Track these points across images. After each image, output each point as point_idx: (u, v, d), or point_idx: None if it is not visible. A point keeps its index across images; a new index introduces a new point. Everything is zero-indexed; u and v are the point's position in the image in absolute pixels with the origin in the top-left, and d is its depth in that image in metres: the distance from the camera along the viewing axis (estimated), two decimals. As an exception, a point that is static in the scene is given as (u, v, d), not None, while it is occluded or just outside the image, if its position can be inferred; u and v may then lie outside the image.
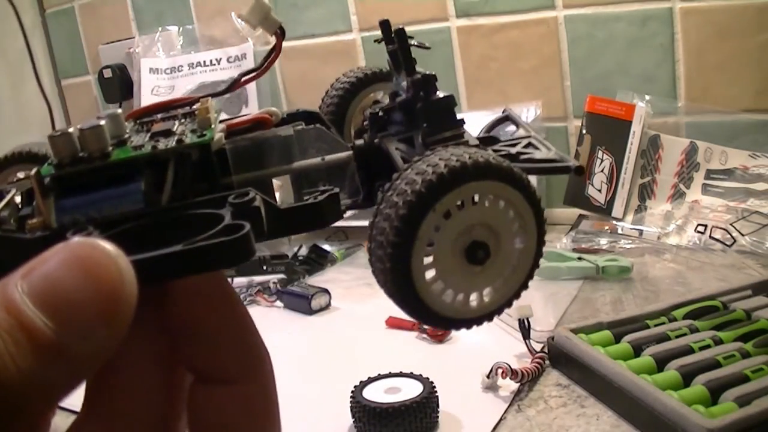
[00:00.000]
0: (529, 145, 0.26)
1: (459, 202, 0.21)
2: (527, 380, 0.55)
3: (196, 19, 1.23)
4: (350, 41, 1.12)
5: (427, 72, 0.25)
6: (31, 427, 0.18)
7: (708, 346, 0.53)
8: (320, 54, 1.12)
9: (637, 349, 0.54)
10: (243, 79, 0.25)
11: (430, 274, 0.21)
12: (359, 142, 0.24)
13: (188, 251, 0.16)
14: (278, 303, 0.80)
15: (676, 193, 0.94)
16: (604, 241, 0.90)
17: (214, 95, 0.22)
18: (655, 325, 0.58)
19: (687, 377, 0.49)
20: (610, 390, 0.50)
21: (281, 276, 0.85)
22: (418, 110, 0.25)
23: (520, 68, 1.03)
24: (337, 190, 0.20)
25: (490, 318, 0.23)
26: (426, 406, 0.49)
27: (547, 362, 0.58)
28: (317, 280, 0.86)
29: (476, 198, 0.21)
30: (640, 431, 0.47)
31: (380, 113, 0.26)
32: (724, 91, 0.93)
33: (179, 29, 1.23)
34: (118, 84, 1.21)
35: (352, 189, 0.23)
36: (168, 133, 0.21)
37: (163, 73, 1.19)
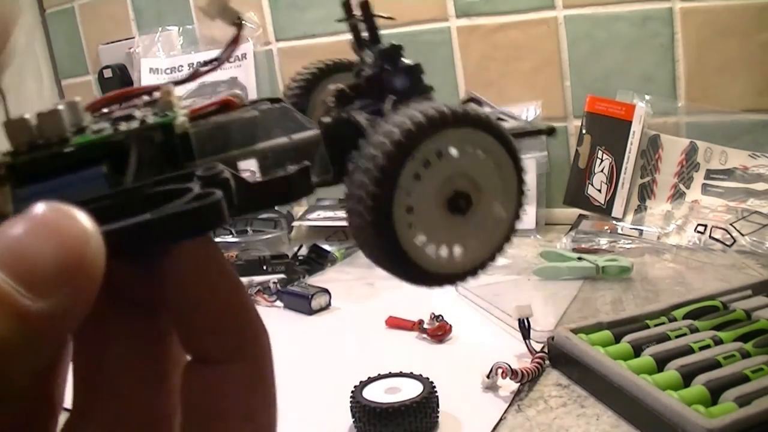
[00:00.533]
0: (498, 119, 0.26)
1: (438, 151, 0.21)
2: (527, 380, 0.55)
3: (196, 19, 1.23)
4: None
5: (393, 42, 0.25)
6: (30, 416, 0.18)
7: (708, 346, 0.53)
8: (320, 54, 1.11)
9: (637, 349, 0.54)
10: (202, 69, 0.25)
11: (412, 225, 0.21)
12: (326, 119, 0.23)
13: (158, 219, 0.16)
14: (278, 303, 0.80)
15: (676, 193, 0.94)
16: (604, 241, 0.90)
17: (175, 83, 0.22)
18: (655, 325, 0.58)
19: (687, 377, 0.49)
20: (610, 390, 0.50)
21: (281, 276, 0.85)
22: (386, 79, 0.24)
23: (520, 68, 1.03)
24: (307, 163, 0.19)
25: (474, 274, 0.22)
26: (426, 406, 0.49)
27: (547, 362, 0.58)
28: (317, 280, 0.86)
29: (455, 148, 0.21)
30: (640, 431, 0.47)
31: (346, 90, 0.25)
32: (724, 91, 0.93)
33: (179, 29, 1.23)
34: (118, 84, 1.21)
35: (322, 167, 0.22)
36: (129, 118, 0.20)
37: (164, 73, 1.19)
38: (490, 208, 0.22)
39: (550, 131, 0.26)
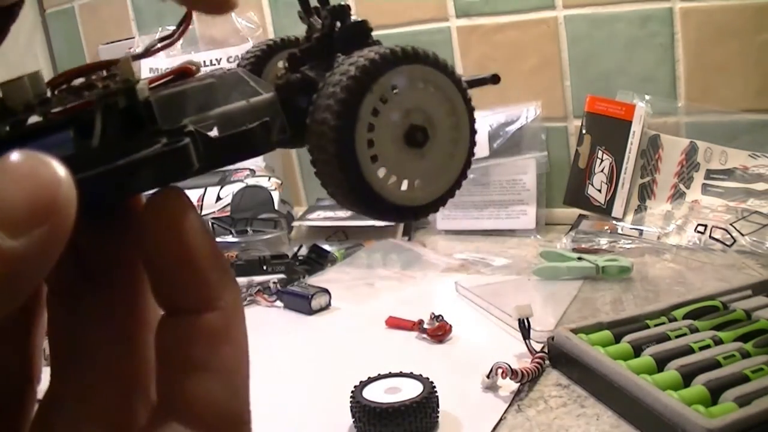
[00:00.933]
0: None
1: (393, 86, 0.22)
2: (527, 380, 0.55)
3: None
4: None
5: (341, 2, 0.26)
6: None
7: (708, 346, 0.53)
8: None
9: (637, 349, 0.54)
10: (158, 45, 0.25)
11: (374, 158, 0.22)
12: (280, 81, 0.24)
13: (128, 164, 0.16)
14: (278, 303, 0.80)
15: (676, 193, 0.94)
16: (604, 241, 0.90)
17: (133, 58, 0.22)
18: (655, 325, 0.58)
19: (687, 377, 0.49)
20: (610, 390, 0.50)
21: (281, 276, 0.85)
22: (336, 35, 0.25)
23: (520, 68, 1.03)
24: (268, 119, 0.20)
25: (435, 207, 0.24)
26: (426, 406, 0.49)
27: (547, 362, 0.58)
28: (317, 280, 0.86)
29: (409, 83, 0.22)
30: (640, 431, 0.47)
31: (297, 53, 0.26)
32: (724, 91, 0.93)
33: (179, 29, 1.23)
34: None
35: (280, 129, 0.22)
36: (91, 87, 0.21)
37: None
38: (444, 142, 0.23)
39: (495, 79, 0.28)
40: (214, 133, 0.20)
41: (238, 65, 0.30)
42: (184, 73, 0.22)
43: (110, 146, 0.18)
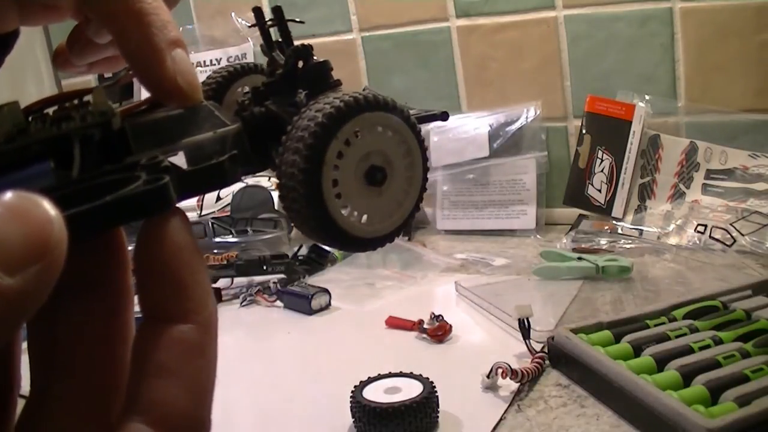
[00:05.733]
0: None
1: (356, 131, 0.24)
2: (527, 380, 0.55)
3: (196, 19, 1.23)
4: (350, 41, 1.12)
5: (303, 43, 0.29)
6: None
7: (708, 346, 0.53)
8: (320, 54, 1.11)
9: (637, 349, 0.54)
10: (128, 75, 0.27)
11: (338, 196, 0.24)
12: (246, 113, 0.26)
13: (115, 201, 0.17)
14: (278, 303, 0.80)
15: (676, 193, 0.94)
16: (604, 241, 0.90)
17: (105, 87, 0.23)
18: (655, 325, 0.58)
19: (687, 377, 0.49)
20: (610, 390, 0.50)
21: (281, 276, 0.85)
22: (300, 74, 0.28)
23: (520, 68, 1.03)
24: (236, 151, 0.22)
25: (392, 237, 0.26)
26: (426, 406, 0.49)
27: (547, 362, 0.58)
28: (317, 280, 0.86)
29: (370, 128, 0.25)
30: (640, 431, 0.47)
31: (261, 87, 0.28)
32: (724, 91, 0.93)
33: (179, 29, 1.23)
34: (119, 85, 1.21)
35: (244, 158, 0.24)
36: (68, 118, 0.22)
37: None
38: (401, 181, 0.26)
39: (444, 116, 0.30)
40: (182, 162, 0.21)
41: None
42: (154, 103, 0.23)
43: (88, 176, 0.19)
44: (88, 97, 0.23)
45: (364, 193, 0.25)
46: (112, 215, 0.18)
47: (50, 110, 0.23)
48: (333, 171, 0.24)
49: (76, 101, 0.23)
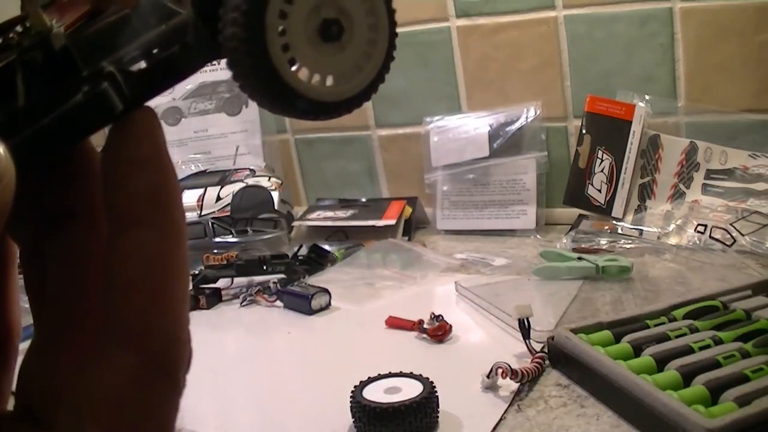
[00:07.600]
0: None
1: None
2: (527, 380, 0.55)
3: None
4: None
5: None
6: None
7: (708, 346, 0.53)
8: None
9: (637, 349, 0.54)
10: None
11: (292, 61, 0.22)
12: None
13: (57, 117, 0.17)
14: (278, 303, 0.80)
15: (676, 193, 0.94)
16: (604, 241, 0.90)
17: (43, 6, 0.21)
18: (655, 325, 0.58)
19: (687, 377, 0.49)
20: (610, 390, 0.50)
21: (281, 276, 0.85)
22: None
23: (520, 68, 1.03)
24: (187, 41, 0.20)
25: (363, 99, 0.23)
26: (426, 406, 0.49)
27: (547, 362, 0.58)
28: (317, 280, 0.86)
29: None
30: (640, 431, 0.47)
31: None
32: (724, 91, 0.93)
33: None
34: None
35: (203, 45, 0.22)
36: (6, 48, 0.20)
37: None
38: (363, 30, 0.23)
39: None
40: (139, 66, 0.20)
41: None
42: (97, 10, 0.21)
43: (38, 102, 0.18)
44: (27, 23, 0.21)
45: (322, 51, 0.22)
46: (58, 133, 0.17)
47: None
48: (279, 35, 0.21)
49: (19, 28, 0.21)
